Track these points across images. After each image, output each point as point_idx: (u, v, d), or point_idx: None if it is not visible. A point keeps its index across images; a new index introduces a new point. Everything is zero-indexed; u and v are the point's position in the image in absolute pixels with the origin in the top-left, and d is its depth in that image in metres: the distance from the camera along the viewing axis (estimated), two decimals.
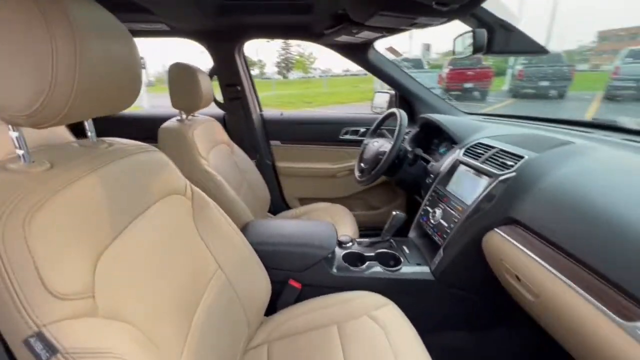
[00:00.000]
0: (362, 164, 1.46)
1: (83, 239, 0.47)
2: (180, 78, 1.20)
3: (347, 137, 1.82)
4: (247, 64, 1.73)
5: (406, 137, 1.54)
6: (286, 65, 30.71)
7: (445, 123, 1.36)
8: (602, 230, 0.61)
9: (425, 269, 1.03)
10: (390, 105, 1.82)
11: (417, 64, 11.98)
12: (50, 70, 0.41)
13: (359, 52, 1.56)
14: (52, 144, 0.57)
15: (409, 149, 1.41)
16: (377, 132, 1.55)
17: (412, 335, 0.79)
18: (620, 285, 0.54)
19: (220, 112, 1.82)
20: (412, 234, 1.22)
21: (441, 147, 1.48)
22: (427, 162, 1.35)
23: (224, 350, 0.69)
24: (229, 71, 1.66)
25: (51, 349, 0.37)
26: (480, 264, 0.92)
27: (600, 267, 0.58)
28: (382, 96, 1.88)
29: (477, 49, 0.79)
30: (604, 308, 0.55)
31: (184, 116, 1.31)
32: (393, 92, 1.79)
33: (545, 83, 9.55)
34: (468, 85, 10.06)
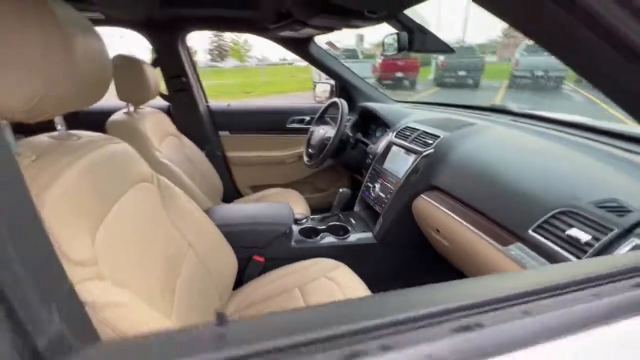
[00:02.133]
0: (310, 150, 1.60)
1: (82, 218, 0.53)
2: (126, 70, 1.20)
3: (294, 125, 1.94)
4: (191, 55, 1.73)
5: (347, 123, 1.72)
6: (219, 52, 29.07)
7: (380, 110, 1.57)
8: (487, 186, 0.85)
9: (369, 234, 1.22)
10: (331, 95, 1.99)
11: (352, 54, 12.48)
12: (45, 68, 0.47)
13: (301, 46, 1.68)
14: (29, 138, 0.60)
15: (350, 134, 1.59)
16: (321, 120, 1.70)
17: (362, 288, 0.96)
18: (496, 221, 0.78)
19: (163, 103, 1.80)
20: (357, 207, 1.42)
21: (377, 132, 1.69)
22: (366, 145, 1.54)
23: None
24: (172, 62, 1.65)
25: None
26: (411, 225, 1.14)
27: (485, 210, 0.82)
28: (323, 86, 2.04)
29: (401, 48, 0.98)
30: (488, 238, 0.78)
31: (131, 109, 1.30)
32: (333, 82, 1.96)
33: (463, 72, 10.94)
34: (399, 74, 11.01)
